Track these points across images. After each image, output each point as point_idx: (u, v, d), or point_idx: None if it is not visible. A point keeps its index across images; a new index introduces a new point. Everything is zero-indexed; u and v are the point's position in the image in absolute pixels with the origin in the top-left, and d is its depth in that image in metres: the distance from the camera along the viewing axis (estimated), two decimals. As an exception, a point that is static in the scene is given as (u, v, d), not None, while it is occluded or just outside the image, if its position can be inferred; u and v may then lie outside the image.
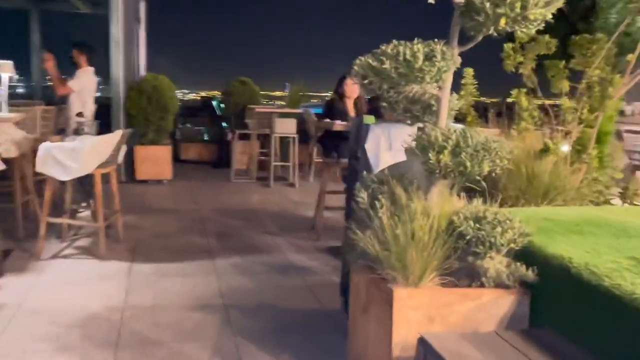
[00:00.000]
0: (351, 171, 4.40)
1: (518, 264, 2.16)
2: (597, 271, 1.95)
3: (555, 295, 2.09)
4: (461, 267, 2.20)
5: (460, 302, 2.11)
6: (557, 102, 4.75)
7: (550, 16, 2.10)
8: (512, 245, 2.16)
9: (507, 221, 2.17)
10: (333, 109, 4.85)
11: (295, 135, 7.73)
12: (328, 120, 4.75)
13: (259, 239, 5.03)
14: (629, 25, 8.56)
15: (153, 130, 7.73)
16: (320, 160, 5.06)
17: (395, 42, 2.18)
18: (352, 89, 4.88)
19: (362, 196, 2.30)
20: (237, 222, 5.67)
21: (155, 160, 7.68)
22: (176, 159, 9.19)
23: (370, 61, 2.13)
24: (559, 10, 7.35)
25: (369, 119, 3.23)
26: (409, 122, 2.47)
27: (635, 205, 3.30)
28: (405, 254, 2.12)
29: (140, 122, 7.59)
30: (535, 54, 3.73)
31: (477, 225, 2.15)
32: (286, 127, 7.69)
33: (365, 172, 2.49)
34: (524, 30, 2.06)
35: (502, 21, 2.01)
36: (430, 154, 2.04)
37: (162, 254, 4.48)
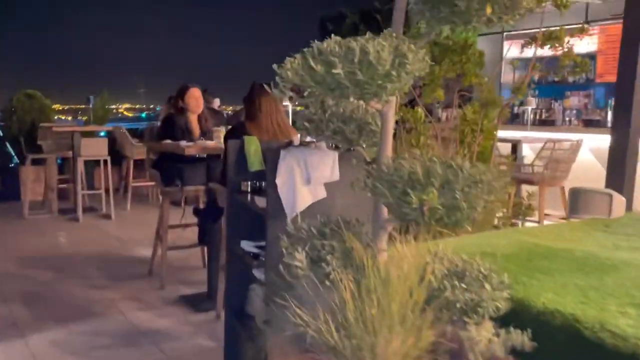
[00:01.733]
0: (211, 204, 3.60)
1: (510, 329, 1.66)
2: (620, 331, 1.53)
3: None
4: (437, 341, 1.64)
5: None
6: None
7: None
8: (502, 304, 1.65)
9: (492, 274, 1.66)
10: (174, 127, 3.98)
11: (107, 157, 6.54)
12: (169, 141, 3.86)
13: (84, 296, 3.92)
14: (439, 34, 9.04)
15: None
16: (158, 188, 4.14)
17: (339, 39, 1.53)
18: (198, 102, 4.07)
19: (300, 259, 1.59)
20: (47, 274, 4.42)
21: None
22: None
23: (312, 64, 1.45)
24: (373, 18, 7.27)
25: (251, 140, 2.50)
26: (339, 146, 1.83)
27: (533, 221, 3.09)
28: (378, 341, 1.48)
29: None
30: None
31: (462, 284, 1.59)
32: (95, 148, 6.46)
33: (289, 219, 1.78)
34: (510, 23, 1.56)
35: (488, 9, 1.48)
36: (411, 194, 1.43)
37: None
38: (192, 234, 4.80)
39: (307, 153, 2.00)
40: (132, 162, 7.16)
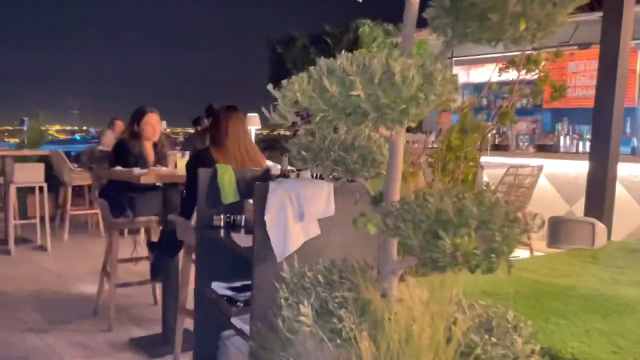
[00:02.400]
0: (167, 236, 3.28)
1: (541, 384, 1.47)
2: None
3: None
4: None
5: None
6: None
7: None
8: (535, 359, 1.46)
9: (521, 324, 1.46)
10: (127, 153, 3.64)
11: (44, 184, 6.03)
12: (120, 168, 3.51)
13: (20, 342, 3.48)
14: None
15: None
16: (103, 218, 3.76)
17: (351, 55, 1.32)
18: (155, 130, 3.73)
19: (305, 312, 1.34)
20: (-25, 317, 3.93)
21: None
22: None
23: (326, 84, 1.22)
24: (324, 41, 7.15)
25: (224, 170, 2.24)
26: (340, 178, 1.61)
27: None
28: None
29: None
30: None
31: (492, 338, 1.39)
32: (30, 174, 5.95)
33: (279, 261, 1.52)
34: (542, 39, 1.39)
35: (523, 24, 1.31)
36: (443, 237, 1.21)
37: None
38: (141, 268, 4.43)
39: (299, 185, 1.76)
40: (70, 189, 6.66)
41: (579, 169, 6.23)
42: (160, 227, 3.83)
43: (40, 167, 6.00)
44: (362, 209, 1.50)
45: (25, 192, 6.84)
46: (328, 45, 9.05)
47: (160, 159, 3.76)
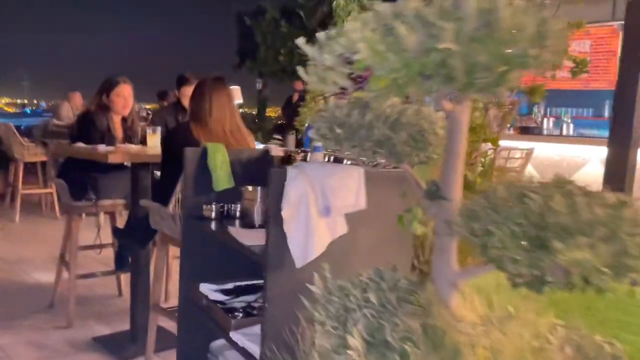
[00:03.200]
0: (135, 223, 2.87)
1: None
2: None
3: None
4: None
5: None
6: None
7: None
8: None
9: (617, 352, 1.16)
10: (91, 128, 3.18)
11: (-9, 160, 5.47)
12: (82, 144, 3.05)
13: (-37, 342, 3.03)
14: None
15: None
16: (64, 202, 3.31)
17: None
18: (127, 102, 3.28)
19: (355, 345, 1.00)
20: None
21: None
22: None
23: (401, 31, 0.87)
24: (295, 14, 6.71)
25: (216, 149, 1.86)
26: (381, 161, 1.27)
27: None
28: None
29: None
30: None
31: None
32: (-24, 149, 5.38)
33: (298, 265, 1.17)
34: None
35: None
36: (558, 249, 0.89)
37: None
38: (103, 255, 3.99)
39: (323, 172, 1.41)
40: (22, 165, 6.09)
41: (563, 152, 6.06)
42: (128, 212, 3.42)
43: (-14, 141, 5.42)
44: (409, 204, 1.16)
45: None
46: (300, 18, 8.62)
47: (130, 136, 3.33)
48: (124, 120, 3.38)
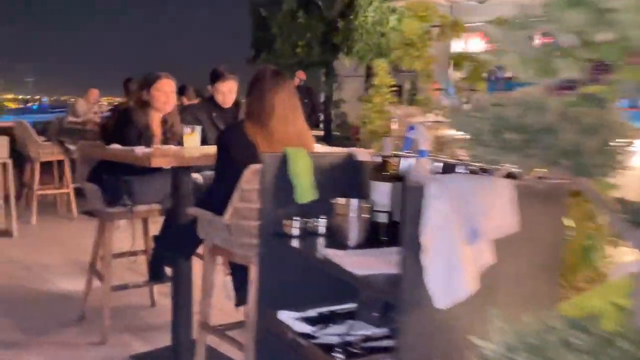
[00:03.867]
0: (184, 232, 2.62)
1: None
2: None
3: None
4: None
5: None
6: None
7: None
8: None
9: None
10: (128, 125, 2.92)
11: (8, 161, 5.22)
12: (118, 146, 2.79)
13: (-10, 361, 2.80)
14: (384, 25, 8.37)
15: None
16: (97, 208, 3.06)
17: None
18: (169, 99, 3.03)
19: None
20: None
21: None
22: None
23: None
24: (315, 4, 6.40)
25: (297, 155, 1.60)
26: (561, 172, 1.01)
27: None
28: None
29: None
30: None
31: None
32: (-8, 149, 5.13)
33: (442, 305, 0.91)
34: None
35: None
36: None
37: None
38: (131, 263, 3.74)
39: (468, 187, 1.15)
40: (38, 165, 5.84)
41: None
42: (163, 218, 3.17)
43: (4, 140, 5.17)
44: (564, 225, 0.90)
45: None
46: (319, 8, 8.32)
47: (168, 139, 3.07)
48: (164, 122, 3.12)
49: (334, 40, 8.11)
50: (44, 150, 5.86)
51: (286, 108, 2.21)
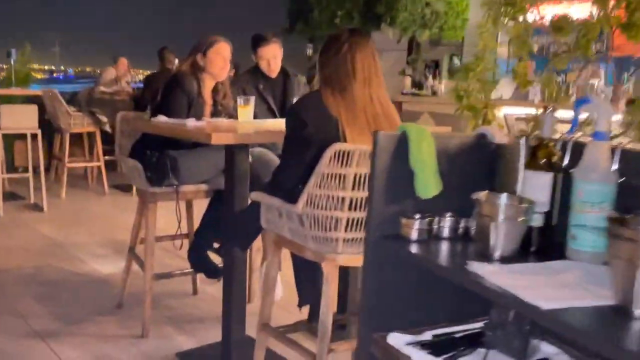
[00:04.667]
0: (242, 219, 2.29)
1: None
2: None
3: None
4: None
5: None
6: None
7: None
8: None
9: None
10: (176, 90, 2.57)
11: (38, 131, 4.95)
12: (165, 118, 2.46)
13: (18, 349, 2.52)
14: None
15: None
16: (140, 188, 2.75)
17: None
18: (225, 64, 2.69)
19: None
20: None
21: None
22: None
23: None
24: None
25: (420, 135, 1.24)
26: None
27: None
28: None
29: None
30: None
31: None
32: (21, 119, 4.86)
33: None
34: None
35: None
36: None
37: None
38: (171, 246, 3.44)
39: None
40: (67, 136, 5.57)
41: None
42: (209, 200, 2.86)
43: (34, 109, 4.89)
44: None
45: (11, 140, 5.77)
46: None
47: (220, 111, 2.73)
48: (215, 92, 2.77)
49: (376, 9, 7.64)
50: (75, 121, 5.59)
51: (369, 70, 1.86)
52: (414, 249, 1.19)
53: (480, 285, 0.97)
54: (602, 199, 1.08)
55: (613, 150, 1.09)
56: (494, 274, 0.99)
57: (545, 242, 1.16)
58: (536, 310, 0.84)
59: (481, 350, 1.24)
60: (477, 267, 1.03)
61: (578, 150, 1.13)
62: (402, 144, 1.22)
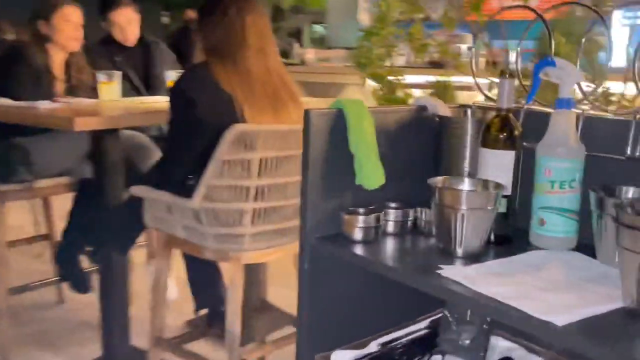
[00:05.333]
0: (119, 218, 1.93)
1: None
2: None
3: None
4: None
5: None
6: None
7: None
8: None
9: None
10: (19, 65, 2.06)
11: None
12: (9, 101, 1.98)
13: None
14: None
15: None
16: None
17: None
18: (77, 31, 2.21)
19: None
20: None
21: None
22: None
23: None
24: None
25: (356, 107, 1.03)
26: None
27: None
28: None
29: None
30: None
31: None
32: None
33: None
34: None
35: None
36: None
37: None
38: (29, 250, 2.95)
39: None
40: None
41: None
42: (74, 195, 2.43)
43: None
44: None
45: None
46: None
47: (75, 88, 2.28)
48: (67, 64, 2.31)
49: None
50: None
51: (263, 36, 1.61)
52: (359, 250, 0.98)
53: (462, 297, 0.79)
54: (572, 176, 0.95)
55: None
56: (474, 280, 0.82)
57: (506, 230, 1.02)
58: (550, 328, 0.68)
59: (437, 357, 1.09)
60: (453, 273, 0.85)
61: (541, 121, 0.99)
62: (337, 124, 1.00)
